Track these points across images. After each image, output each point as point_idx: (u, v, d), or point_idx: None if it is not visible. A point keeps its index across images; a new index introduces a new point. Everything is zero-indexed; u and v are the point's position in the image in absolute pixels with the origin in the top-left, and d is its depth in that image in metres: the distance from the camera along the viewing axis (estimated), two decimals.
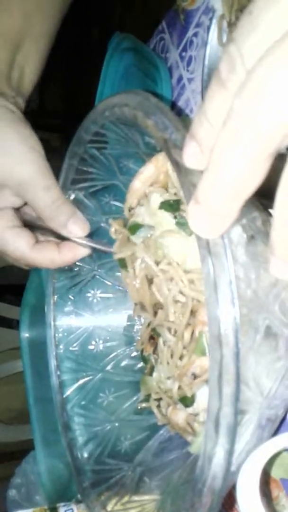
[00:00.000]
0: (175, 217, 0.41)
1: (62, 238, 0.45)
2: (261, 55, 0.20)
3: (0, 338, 1.15)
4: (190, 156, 0.24)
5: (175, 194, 0.41)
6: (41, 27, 0.50)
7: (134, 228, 0.42)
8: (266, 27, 0.20)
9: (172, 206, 0.42)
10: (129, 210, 0.43)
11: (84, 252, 0.45)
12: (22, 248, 0.43)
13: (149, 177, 0.42)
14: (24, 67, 0.49)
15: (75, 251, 0.45)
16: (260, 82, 0.20)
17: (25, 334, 0.74)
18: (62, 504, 0.58)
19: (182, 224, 0.39)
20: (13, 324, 1.13)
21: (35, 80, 0.50)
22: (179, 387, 0.39)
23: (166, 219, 0.40)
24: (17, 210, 0.45)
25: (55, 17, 0.52)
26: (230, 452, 0.26)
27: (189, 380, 0.37)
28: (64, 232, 0.44)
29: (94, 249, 0.45)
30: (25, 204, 0.44)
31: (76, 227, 0.44)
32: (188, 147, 0.24)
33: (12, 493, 0.79)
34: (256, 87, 0.20)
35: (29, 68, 0.49)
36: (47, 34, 0.51)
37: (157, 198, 0.40)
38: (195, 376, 0.37)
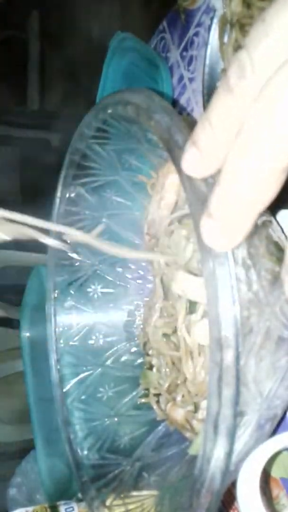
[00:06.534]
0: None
1: None
2: (280, 64, 0.19)
3: (0, 338, 1.15)
4: (189, 163, 0.24)
5: None
6: None
7: None
8: (278, 33, 0.20)
9: None
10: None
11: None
12: None
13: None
14: None
15: None
16: (277, 93, 0.19)
17: (25, 334, 0.75)
18: (62, 502, 0.58)
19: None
20: (13, 324, 1.13)
21: None
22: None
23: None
24: None
25: None
26: (229, 454, 0.26)
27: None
28: None
29: None
30: None
31: None
32: (188, 154, 0.23)
33: (12, 492, 0.80)
34: (274, 98, 0.19)
35: None
36: None
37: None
38: None
